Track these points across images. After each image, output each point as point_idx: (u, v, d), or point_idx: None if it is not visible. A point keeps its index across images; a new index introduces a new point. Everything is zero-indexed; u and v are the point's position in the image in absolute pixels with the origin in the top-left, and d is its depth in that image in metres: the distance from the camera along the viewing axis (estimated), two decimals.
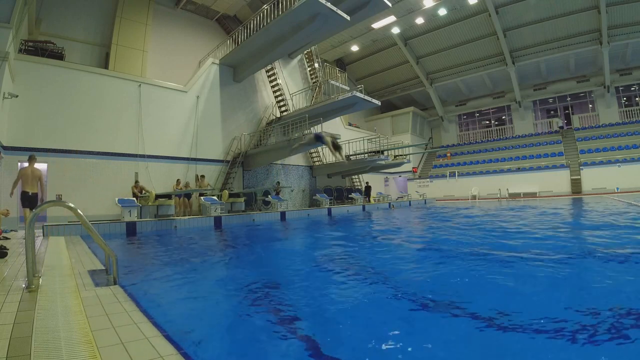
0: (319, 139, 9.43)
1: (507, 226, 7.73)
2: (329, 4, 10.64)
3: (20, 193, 6.73)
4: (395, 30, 22.13)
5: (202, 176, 12.87)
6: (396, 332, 2.33)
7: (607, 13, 19.13)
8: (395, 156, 19.23)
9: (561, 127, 23.28)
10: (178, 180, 12.31)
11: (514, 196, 20.83)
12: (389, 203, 18.89)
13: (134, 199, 10.05)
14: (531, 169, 21.77)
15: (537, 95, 25.87)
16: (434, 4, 19.67)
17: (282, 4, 11.84)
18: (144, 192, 10.67)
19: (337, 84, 17.97)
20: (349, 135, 19.70)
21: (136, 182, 11.30)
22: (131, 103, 11.96)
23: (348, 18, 11.40)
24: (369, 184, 20.27)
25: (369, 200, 19.18)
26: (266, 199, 13.59)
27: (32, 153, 7.20)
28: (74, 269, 3.56)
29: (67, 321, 1.98)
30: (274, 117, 16.44)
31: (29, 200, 6.66)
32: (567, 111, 25.46)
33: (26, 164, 6.88)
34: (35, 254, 2.76)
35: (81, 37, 13.77)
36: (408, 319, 2.52)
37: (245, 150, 14.80)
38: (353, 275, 3.94)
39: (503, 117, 28.09)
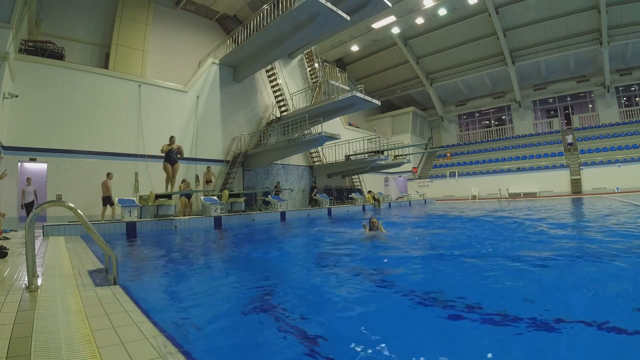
0: None
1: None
2: (329, 4, 10.64)
3: (103, 197, 10.02)
4: (395, 30, 22.13)
5: (208, 167, 13.24)
6: (401, 333, 2.33)
7: (607, 13, 19.12)
8: (395, 156, 19.24)
9: (570, 144, 22.52)
10: (184, 179, 12.24)
11: (514, 196, 20.82)
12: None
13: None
14: (531, 169, 21.78)
15: (537, 95, 25.87)
16: (434, 4, 19.66)
17: (282, 4, 11.83)
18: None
19: (337, 84, 17.97)
20: (349, 135, 19.69)
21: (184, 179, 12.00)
22: (131, 103, 11.96)
23: (348, 18, 11.39)
24: (315, 184, 17.94)
25: (315, 204, 16.21)
26: (266, 199, 13.58)
27: (110, 172, 10.31)
28: (74, 268, 3.55)
29: (67, 321, 1.97)
30: (274, 117, 16.44)
31: (106, 200, 9.99)
32: (567, 111, 25.47)
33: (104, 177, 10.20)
34: (35, 254, 2.76)
35: (81, 37, 13.76)
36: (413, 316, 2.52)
37: (245, 150, 14.80)
38: (354, 274, 3.93)
39: (503, 117, 28.09)
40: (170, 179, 10.42)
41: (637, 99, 22.91)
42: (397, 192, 25.47)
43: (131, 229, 8.35)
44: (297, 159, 17.58)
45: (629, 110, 22.99)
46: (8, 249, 4.57)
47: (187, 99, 13.49)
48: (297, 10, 10.95)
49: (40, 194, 10.34)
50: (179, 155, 10.41)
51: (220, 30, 18.33)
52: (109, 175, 10.21)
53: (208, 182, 13.18)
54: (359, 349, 2.00)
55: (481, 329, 2.24)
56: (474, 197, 21.80)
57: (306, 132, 14.11)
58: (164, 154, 10.30)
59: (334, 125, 18.36)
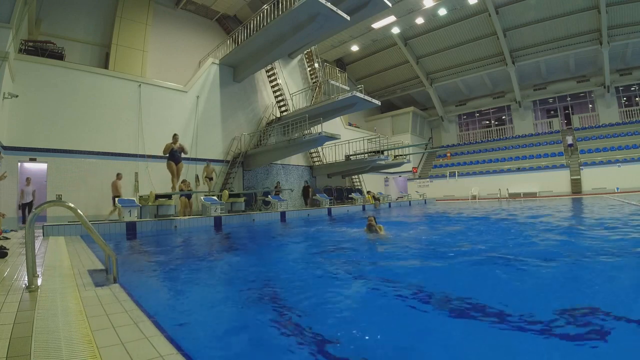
0: None
1: None
2: (329, 4, 10.64)
3: (113, 197, 10.15)
4: (395, 30, 22.13)
5: (208, 163, 13.16)
6: (401, 332, 2.33)
7: (607, 13, 19.13)
8: (395, 156, 19.24)
9: (570, 145, 22.45)
10: (184, 180, 12.21)
11: (514, 196, 20.83)
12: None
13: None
14: (531, 169, 21.78)
15: (537, 95, 25.88)
16: (434, 4, 19.67)
17: (282, 4, 11.83)
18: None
19: (337, 84, 17.97)
20: (349, 135, 19.70)
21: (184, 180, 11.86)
22: (131, 103, 11.96)
23: (348, 18, 11.39)
24: (308, 183, 17.49)
25: (314, 204, 16.02)
26: (266, 199, 13.58)
27: (120, 173, 10.57)
28: (74, 269, 3.55)
29: (67, 321, 1.97)
30: (274, 117, 16.44)
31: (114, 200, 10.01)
32: (567, 111, 25.47)
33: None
34: (35, 254, 2.76)
35: (81, 37, 13.76)
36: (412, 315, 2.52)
37: (245, 150, 14.80)
38: (355, 276, 3.93)
39: (503, 117, 28.09)
40: (175, 177, 10.28)
41: (637, 99, 22.91)
42: (397, 192, 25.48)
43: (131, 229, 8.35)
44: (297, 159, 17.58)
45: (629, 110, 23.00)
46: (8, 249, 4.57)
47: (187, 99, 13.49)
48: (297, 10, 10.95)
49: (41, 194, 10.34)
50: (182, 153, 10.29)
51: (220, 30, 18.33)
52: (118, 175, 10.47)
53: (210, 179, 13.16)
54: (360, 351, 2.00)
55: (483, 330, 2.24)
56: (474, 197, 21.80)
57: (306, 132, 14.11)
58: (166, 155, 10.08)
59: (334, 125, 18.36)
